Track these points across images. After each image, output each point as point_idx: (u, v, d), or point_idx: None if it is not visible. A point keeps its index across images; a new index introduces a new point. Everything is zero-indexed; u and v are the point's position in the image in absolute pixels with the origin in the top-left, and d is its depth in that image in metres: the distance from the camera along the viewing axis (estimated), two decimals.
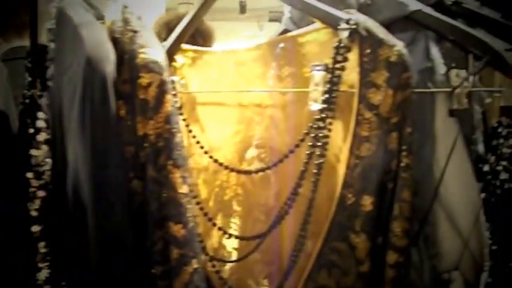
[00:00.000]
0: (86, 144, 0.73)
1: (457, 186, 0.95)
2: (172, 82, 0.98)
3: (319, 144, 0.85)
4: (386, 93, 0.81)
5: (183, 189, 0.76)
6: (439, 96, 0.92)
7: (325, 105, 0.84)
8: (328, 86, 0.83)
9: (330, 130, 0.85)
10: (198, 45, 1.00)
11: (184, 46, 1.02)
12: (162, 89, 0.74)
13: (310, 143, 0.86)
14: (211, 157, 0.98)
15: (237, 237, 0.98)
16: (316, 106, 0.85)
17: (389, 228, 0.83)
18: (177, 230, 0.77)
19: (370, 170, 0.83)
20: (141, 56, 0.74)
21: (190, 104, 1.03)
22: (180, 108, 0.99)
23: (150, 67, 0.74)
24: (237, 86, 0.97)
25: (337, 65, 0.83)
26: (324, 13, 0.85)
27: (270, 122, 0.94)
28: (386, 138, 0.82)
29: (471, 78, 0.86)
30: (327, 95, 0.84)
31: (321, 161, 0.85)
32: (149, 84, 0.74)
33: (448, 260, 0.96)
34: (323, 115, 0.84)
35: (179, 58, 1.02)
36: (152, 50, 0.75)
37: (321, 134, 0.85)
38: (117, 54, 0.76)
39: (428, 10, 0.89)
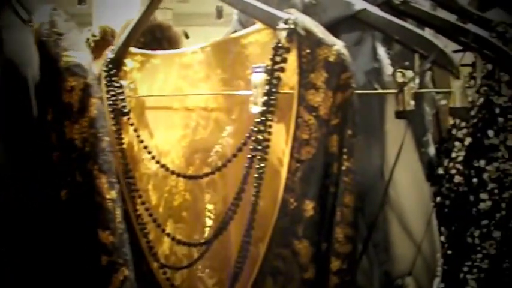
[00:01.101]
0: (8, 151, 0.70)
1: (408, 190, 0.93)
2: (121, 86, 0.97)
3: (259, 148, 0.83)
4: (326, 94, 0.78)
5: (111, 194, 0.74)
6: (389, 97, 0.90)
7: (264, 108, 0.82)
8: (267, 88, 0.81)
9: (270, 133, 0.82)
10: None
11: (133, 50, 1.00)
12: (86, 93, 0.72)
13: (251, 147, 0.83)
14: (158, 162, 0.96)
15: (184, 243, 0.95)
16: (256, 109, 0.83)
17: (332, 234, 0.81)
18: (105, 236, 0.74)
19: (311, 174, 0.81)
20: (65, 59, 0.72)
21: (139, 108, 1.01)
22: (128, 112, 0.97)
23: (73, 70, 0.72)
24: (183, 89, 0.95)
25: (276, 66, 0.81)
26: (262, 13, 0.83)
27: (216, 126, 0.91)
28: (327, 141, 0.79)
29: (417, 78, 0.83)
30: (266, 98, 0.81)
31: (262, 165, 0.83)
32: (73, 88, 0.72)
33: (401, 265, 0.94)
34: (263, 118, 0.82)
35: (129, 62, 1.01)
36: (76, 53, 0.73)
37: (261, 138, 0.82)
38: (42, 57, 0.73)
39: (374, 9, 0.86)
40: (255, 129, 0.83)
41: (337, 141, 0.79)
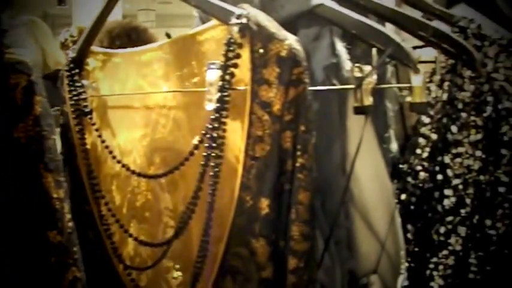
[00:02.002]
0: None
1: (371, 187, 0.92)
2: (82, 86, 0.96)
3: (214, 145, 0.81)
4: (278, 90, 0.77)
5: (58, 193, 0.73)
6: (350, 93, 0.88)
7: (218, 105, 0.80)
8: (220, 84, 0.80)
9: (225, 130, 0.81)
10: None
11: (95, 49, 1.00)
12: (29, 90, 0.71)
13: (207, 145, 0.82)
14: (119, 162, 0.95)
15: (146, 244, 0.94)
16: (211, 106, 0.81)
17: (288, 232, 0.80)
18: (53, 236, 0.73)
19: (265, 171, 0.79)
20: (8, 56, 0.71)
21: (102, 108, 1.00)
22: (90, 112, 0.96)
23: (16, 67, 0.71)
24: (143, 87, 0.94)
25: (229, 62, 0.80)
26: (216, 9, 0.82)
27: (175, 124, 0.90)
28: (280, 137, 0.78)
29: (375, 74, 0.82)
30: (219, 94, 0.80)
31: (217, 162, 0.82)
32: (16, 85, 0.71)
33: (366, 263, 0.93)
34: (217, 115, 0.81)
35: (91, 61, 1.00)
36: (19, 50, 0.72)
37: (216, 135, 0.81)
38: None
39: (331, 4, 0.85)
40: (210, 126, 0.82)
41: (290, 138, 0.77)
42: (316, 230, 0.84)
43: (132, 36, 1.50)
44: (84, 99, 0.97)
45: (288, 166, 0.79)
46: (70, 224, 0.74)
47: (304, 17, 0.87)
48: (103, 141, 0.96)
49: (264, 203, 0.79)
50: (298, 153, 0.77)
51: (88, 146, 0.98)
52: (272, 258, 0.82)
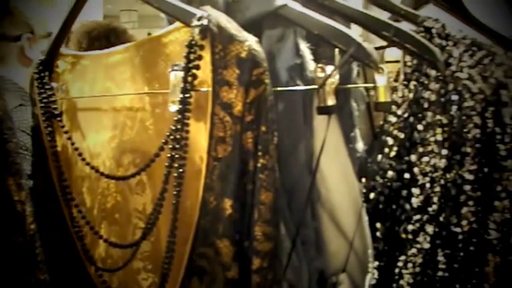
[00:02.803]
0: None
1: (338, 186, 0.92)
2: (51, 88, 0.97)
3: (178, 146, 0.82)
4: (238, 91, 0.78)
5: (19, 196, 0.73)
6: (315, 93, 0.89)
7: (181, 107, 0.81)
8: (182, 86, 0.80)
9: (188, 132, 0.82)
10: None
11: (64, 51, 1.00)
12: None
13: (171, 146, 0.83)
14: (88, 164, 0.95)
15: (116, 245, 0.95)
16: (174, 108, 0.82)
17: (251, 232, 0.80)
18: (15, 238, 0.74)
19: (228, 172, 0.80)
20: None
21: (72, 110, 1.01)
22: (60, 115, 0.97)
23: None
24: (110, 89, 0.95)
25: (191, 64, 0.80)
26: (178, 10, 0.82)
27: (141, 126, 0.91)
28: (242, 138, 0.79)
29: (338, 74, 0.82)
30: (182, 96, 0.81)
31: (181, 163, 0.82)
32: None
33: (334, 262, 0.93)
34: (180, 116, 0.81)
35: (61, 64, 1.00)
36: None
37: (179, 137, 0.82)
38: None
39: (294, 5, 0.85)
40: (174, 128, 0.82)
41: (252, 138, 0.78)
42: (281, 230, 0.84)
43: (111, 38, 1.51)
44: (54, 102, 0.98)
45: (250, 167, 0.79)
46: (32, 226, 0.74)
47: (268, 18, 0.88)
48: (72, 144, 0.97)
49: (227, 204, 0.80)
50: (260, 153, 0.78)
51: (59, 148, 0.99)
52: (237, 258, 0.82)
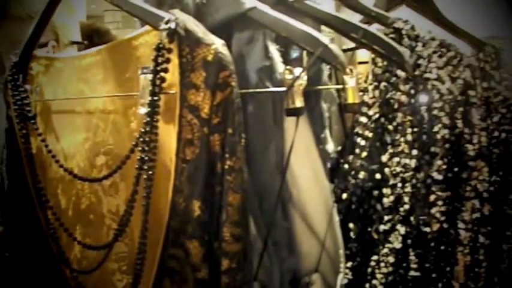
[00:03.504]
0: None
1: (309, 187, 0.93)
2: (25, 91, 0.97)
3: (147, 149, 0.82)
4: (205, 94, 0.78)
5: None
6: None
7: (150, 109, 0.81)
8: (151, 89, 0.81)
9: (157, 134, 0.82)
10: None
11: (37, 53, 1.01)
12: None
13: (141, 148, 0.83)
14: (61, 166, 0.96)
15: (89, 247, 0.95)
16: (143, 110, 0.82)
17: (220, 233, 0.81)
18: None
19: (196, 174, 0.80)
20: None
21: (46, 112, 1.01)
22: (34, 117, 0.97)
23: None
24: (84, 92, 0.95)
25: (159, 67, 0.81)
26: (146, 13, 0.83)
27: (114, 128, 0.91)
28: (209, 140, 0.79)
29: (305, 75, 0.83)
30: (150, 99, 0.81)
31: (151, 165, 0.83)
32: None
33: (307, 263, 0.94)
34: (149, 119, 0.82)
35: (35, 66, 1.01)
36: None
37: (148, 139, 0.82)
38: None
39: (263, 8, 0.86)
40: (143, 130, 0.83)
41: (219, 141, 0.79)
42: (251, 231, 0.85)
43: (94, 39, 1.52)
44: (28, 104, 0.98)
45: (218, 169, 0.80)
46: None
47: (238, 20, 0.88)
48: (46, 146, 0.97)
49: (196, 205, 0.80)
50: (227, 155, 0.78)
51: (33, 151, 0.99)
52: (206, 259, 0.82)
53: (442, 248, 0.91)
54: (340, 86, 0.83)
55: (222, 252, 0.81)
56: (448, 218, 0.89)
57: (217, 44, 0.78)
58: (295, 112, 0.84)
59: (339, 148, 0.98)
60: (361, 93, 0.94)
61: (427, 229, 0.90)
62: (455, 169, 0.89)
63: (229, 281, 0.81)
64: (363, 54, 1.08)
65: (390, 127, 0.92)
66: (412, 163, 0.91)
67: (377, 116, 0.93)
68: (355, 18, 0.96)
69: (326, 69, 0.93)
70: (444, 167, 0.89)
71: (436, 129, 0.89)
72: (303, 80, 0.84)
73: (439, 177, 0.89)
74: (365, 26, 0.86)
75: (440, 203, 0.89)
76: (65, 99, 0.97)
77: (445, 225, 0.90)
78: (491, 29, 1.20)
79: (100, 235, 0.97)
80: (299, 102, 0.84)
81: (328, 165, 0.97)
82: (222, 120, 0.79)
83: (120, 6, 0.85)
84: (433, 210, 0.90)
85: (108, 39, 1.54)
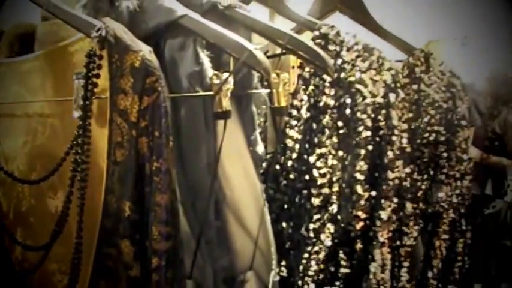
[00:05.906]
0: None
1: (242, 187, 0.97)
2: None
3: (80, 151, 0.86)
4: (133, 98, 0.82)
5: None
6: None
7: (82, 113, 0.85)
8: (83, 94, 0.84)
9: (89, 137, 0.85)
10: None
11: None
12: None
13: (75, 151, 0.86)
14: (1, 169, 0.98)
15: (28, 248, 0.98)
16: (76, 114, 0.86)
17: (149, 233, 0.84)
18: None
19: (126, 175, 0.84)
20: None
21: None
22: None
23: None
24: (24, 96, 0.98)
25: (90, 73, 0.84)
26: (79, 21, 0.86)
27: (52, 132, 0.94)
28: (138, 143, 0.83)
29: (231, 80, 0.87)
30: (82, 103, 0.84)
31: (84, 167, 0.86)
32: None
33: (241, 261, 0.98)
34: (81, 122, 0.85)
35: None
36: None
37: (81, 142, 0.85)
38: None
39: (194, 16, 0.90)
40: (77, 133, 0.86)
41: (146, 143, 0.82)
42: (182, 230, 0.88)
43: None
44: None
45: (147, 170, 0.83)
46: None
47: (171, 27, 0.92)
48: None
49: (126, 206, 0.84)
50: (154, 157, 0.82)
51: None
52: (138, 257, 0.86)
53: (365, 246, 0.96)
54: (267, 90, 0.87)
55: (151, 250, 0.84)
56: (369, 216, 0.93)
57: (145, 50, 0.82)
58: (222, 115, 0.88)
59: (273, 150, 1.02)
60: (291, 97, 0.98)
61: (350, 228, 0.94)
62: (376, 170, 0.94)
63: (159, 278, 0.85)
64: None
65: (317, 129, 0.97)
66: (339, 164, 0.95)
67: (305, 118, 0.97)
68: (287, 26, 1.00)
69: (256, 73, 0.97)
70: (366, 167, 0.94)
71: (359, 130, 0.94)
72: (230, 85, 0.87)
73: (361, 177, 0.93)
74: (290, 33, 0.90)
75: (362, 202, 0.94)
76: (5, 104, 0.99)
77: (368, 224, 0.94)
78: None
79: (41, 237, 1.00)
80: (227, 106, 0.88)
81: (264, 165, 1.01)
82: (149, 123, 0.82)
83: (55, 15, 0.88)
84: (356, 210, 0.94)
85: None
